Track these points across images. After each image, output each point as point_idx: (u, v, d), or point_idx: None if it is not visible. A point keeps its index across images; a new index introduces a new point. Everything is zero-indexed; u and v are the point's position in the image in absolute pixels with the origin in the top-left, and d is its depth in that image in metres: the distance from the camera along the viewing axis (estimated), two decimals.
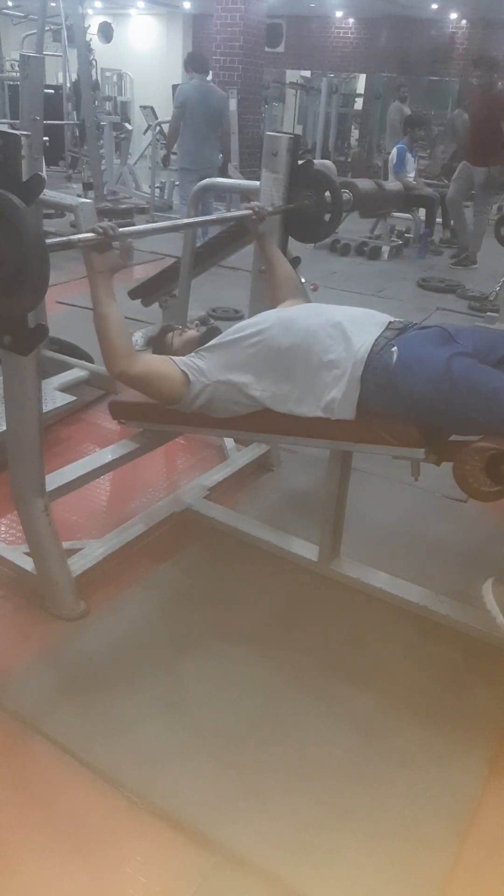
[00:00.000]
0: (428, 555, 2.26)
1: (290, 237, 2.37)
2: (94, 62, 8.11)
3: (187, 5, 13.88)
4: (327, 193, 2.27)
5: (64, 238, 1.57)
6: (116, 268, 1.72)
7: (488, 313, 4.80)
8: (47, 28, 6.23)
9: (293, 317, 1.85)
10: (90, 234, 1.62)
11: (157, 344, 2.10)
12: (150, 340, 2.05)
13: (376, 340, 1.70)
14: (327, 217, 2.31)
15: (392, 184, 6.72)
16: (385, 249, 6.74)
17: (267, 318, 1.87)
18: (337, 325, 1.75)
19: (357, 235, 6.92)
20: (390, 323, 1.78)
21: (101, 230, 1.63)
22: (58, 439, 2.84)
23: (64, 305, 4.37)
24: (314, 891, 1.29)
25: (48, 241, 1.43)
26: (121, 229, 1.68)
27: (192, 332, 2.04)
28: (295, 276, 2.30)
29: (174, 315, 3.04)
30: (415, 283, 5.86)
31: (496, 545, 2.31)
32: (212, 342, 1.91)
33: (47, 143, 5.80)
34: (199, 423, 1.97)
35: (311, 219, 2.30)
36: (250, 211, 2.16)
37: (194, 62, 5.95)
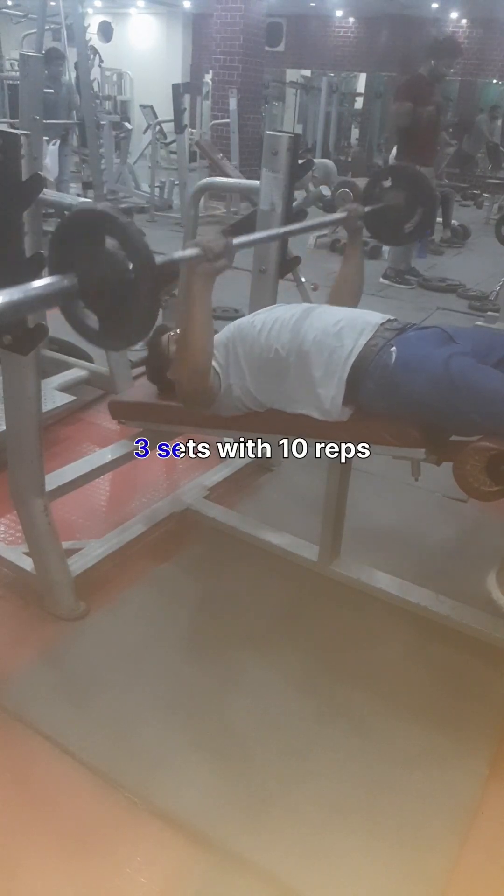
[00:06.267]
0: (428, 555, 2.25)
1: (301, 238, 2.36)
2: (100, 62, 8.10)
3: (187, 4, 13.86)
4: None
5: (167, 256, 1.47)
6: (221, 270, 1.63)
7: (489, 313, 4.79)
8: (47, 27, 6.23)
9: (289, 317, 1.85)
10: (192, 251, 1.56)
11: (152, 345, 2.07)
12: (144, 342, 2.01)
13: (369, 342, 1.71)
14: (413, 225, 2.34)
15: None
16: (385, 249, 6.73)
17: (264, 319, 1.87)
18: (334, 325, 1.76)
19: None
20: (384, 323, 1.78)
21: (204, 248, 1.56)
22: (57, 439, 2.84)
23: None
24: (314, 891, 1.29)
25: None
26: (221, 241, 1.60)
27: None
28: (361, 281, 2.29)
29: (174, 315, 3.03)
30: (415, 283, 5.85)
31: (497, 537, 2.30)
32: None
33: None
34: (199, 423, 1.97)
35: (397, 220, 2.32)
36: (346, 214, 2.22)
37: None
